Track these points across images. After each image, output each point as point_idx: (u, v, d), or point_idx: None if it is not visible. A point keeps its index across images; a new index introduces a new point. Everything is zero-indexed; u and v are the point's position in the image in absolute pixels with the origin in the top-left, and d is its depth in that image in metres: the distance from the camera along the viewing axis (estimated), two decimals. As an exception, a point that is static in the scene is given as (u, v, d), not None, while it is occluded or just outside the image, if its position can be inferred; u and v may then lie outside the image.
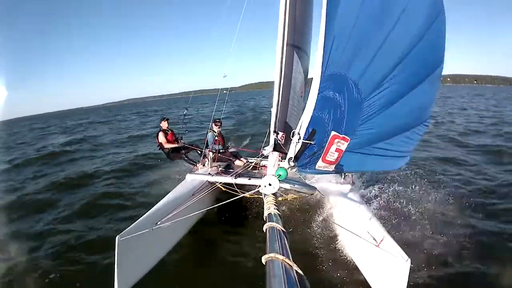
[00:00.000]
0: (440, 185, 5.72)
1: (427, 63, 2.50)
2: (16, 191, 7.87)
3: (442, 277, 3.34)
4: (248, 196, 3.38)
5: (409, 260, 2.39)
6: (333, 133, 2.46)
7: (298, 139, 2.50)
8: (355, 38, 2.24)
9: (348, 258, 3.54)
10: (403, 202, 4.82)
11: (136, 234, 2.99)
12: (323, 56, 2.22)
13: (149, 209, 3.60)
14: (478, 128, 13.66)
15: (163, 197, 4.07)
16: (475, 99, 36.11)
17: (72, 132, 22.66)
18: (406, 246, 2.89)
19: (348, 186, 4.43)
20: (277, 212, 2.00)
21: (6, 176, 9.76)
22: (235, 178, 4.61)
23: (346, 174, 4.69)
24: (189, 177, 4.96)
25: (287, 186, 2.69)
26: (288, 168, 2.64)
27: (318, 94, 2.35)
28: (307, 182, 4.05)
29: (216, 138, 5.83)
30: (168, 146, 5.86)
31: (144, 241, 3.10)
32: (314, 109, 2.40)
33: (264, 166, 5.64)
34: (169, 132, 6.01)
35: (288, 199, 4.54)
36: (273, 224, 1.67)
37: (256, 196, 3.51)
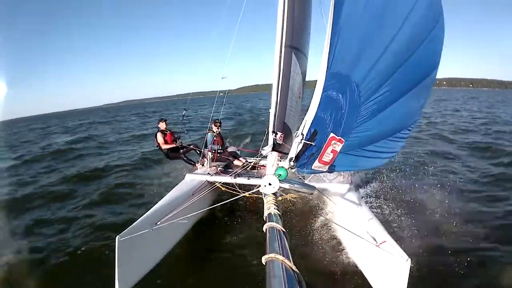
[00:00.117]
0: (427, 174, 6.63)
1: (423, 69, 2.54)
2: (31, 184, 8.30)
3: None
4: (247, 195, 3.39)
5: (409, 260, 2.41)
6: (331, 134, 2.49)
7: (301, 140, 2.52)
8: (360, 38, 2.25)
9: (348, 258, 3.56)
10: (396, 189, 5.48)
11: (136, 234, 3.00)
12: (328, 53, 2.22)
13: (149, 209, 3.61)
14: (468, 128, 14.45)
15: (163, 197, 4.08)
16: (469, 101, 37.39)
17: (74, 132, 22.93)
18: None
19: (347, 186, 4.44)
20: (277, 212, 1.99)
21: (17, 171, 10.19)
22: (234, 178, 4.62)
23: (344, 173, 4.77)
24: (188, 177, 4.96)
25: (286, 185, 2.71)
26: (288, 168, 2.66)
27: (322, 93, 2.37)
28: (306, 181, 4.07)
29: (215, 138, 5.87)
30: (165, 146, 5.92)
31: (144, 241, 3.11)
32: (317, 109, 2.42)
33: (263, 166, 5.66)
34: (168, 133, 6.05)
35: (288, 198, 4.55)
36: (273, 224, 1.67)
37: (256, 196, 3.53)
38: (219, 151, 5.84)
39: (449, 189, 5.63)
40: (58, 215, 5.77)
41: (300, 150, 2.56)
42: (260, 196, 2.83)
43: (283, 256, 1.24)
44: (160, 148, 5.98)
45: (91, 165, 9.79)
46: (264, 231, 1.65)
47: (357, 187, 5.23)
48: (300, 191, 2.92)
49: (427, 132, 13.25)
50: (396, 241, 2.79)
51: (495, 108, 25.85)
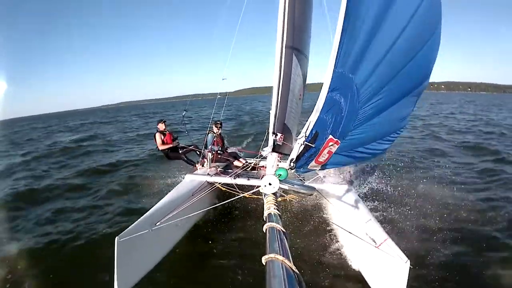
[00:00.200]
0: (420, 168, 7.44)
1: (418, 76, 2.58)
2: (46, 177, 8.64)
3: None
4: (247, 196, 3.39)
5: (409, 261, 2.40)
6: (330, 136, 2.52)
7: (304, 141, 2.55)
8: (366, 39, 2.25)
9: (348, 259, 3.55)
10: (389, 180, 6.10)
11: (136, 235, 2.99)
12: (337, 52, 2.23)
13: (149, 209, 3.61)
14: (461, 129, 15.22)
15: (163, 198, 4.07)
16: (465, 105, 38.68)
17: (77, 131, 23.25)
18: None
19: (347, 187, 4.44)
20: (277, 212, 1.99)
21: (30, 166, 10.49)
22: (234, 179, 4.62)
23: (343, 174, 4.87)
24: (188, 177, 4.96)
25: (286, 186, 2.71)
26: (288, 169, 2.68)
27: (327, 92, 2.38)
28: (306, 182, 4.07)
29: (215, 139, 5.90)
30: (162, 147, 5.97)
31: (144, 242, 3.10)
32: (321, 110, 2.44)
33: (263, 166, 5.66)
34: (167, 133, 6.08)
35: (287, 199, 4.54)
36: (273, 224, 1.67)
37: (255, 196, 3.52)
38: (219, 151, 5.86)
39: (443, 183, 6.20)
40: (81, 204, 6.12)
41: (301, 151, 2.59)
42: (260, 197, 2.84)
43: (283, 256, 1.24)
44: (159, 148, 6.02)
45: (100, 161, 10.18)
46: (264, 231, 1.65)
47: (355, 187, 5.29)
48: (299, 192, 2.93)
49: (422, 132, 14.03)
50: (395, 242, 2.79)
51: (489, 112, 26.82)
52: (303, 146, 2.58)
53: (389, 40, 2.25)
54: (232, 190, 4.28)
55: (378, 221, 3.38)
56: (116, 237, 2.81)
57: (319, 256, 3.75)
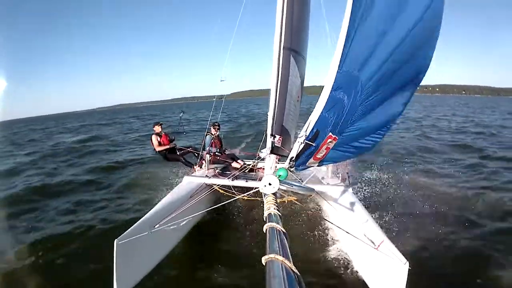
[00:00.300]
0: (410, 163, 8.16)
1: (415, 73, 2.59)
2: (57, 174, 9.02)
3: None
4: (245, 198, 3.39)
5: (408, 263, 2.39)
6: (329, 133, 2.53)
7: (304, 140, 2.56)
8: (376, 39, 2.28)
9: (347, 260, 3.55)
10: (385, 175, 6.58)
11: (134, 238, 2.97)
12: (341, 52, 2.25)
13: (147, 212, 3.59)
14: (451, 129, 16.11)
15: (161, 200, 4.05)
16: (459, 107, 40.18)
17: (77, 132, 23.50)
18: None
19: (344, 187, 4.45)
20: (277, 212, 1.98)
21: (37, 164, 10.78)
22: (232, 180, 4.61)
23: (341, 174, 4.90)
24: (186, 179, 4.93)
25: (285, 187, 2.71)
26: (287, 168, 2.68)
27: (330, 92, 2.39)
28: (304, 183, 4.07)
29: (213, 140, 5.90)
30: (160, 148, 5.98)
31: (143, 244, 3.08)
32: (323, 108, 2.46)
33: (261, 168, 5.66)
34: (162, 135, 6.09)
35: (286, 201, 4.54)
36: (273, 224, 1.66)
37: (254, 198, 3.52)
38: (217, 153, 5.86)
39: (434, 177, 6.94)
40: (96, 198, 6.51)
41: (301, 150, 2.61)
42: (258, 198, 2.84)
43: (283, 256, 1.23)
44: (156, 150, 6.03)
45: (107, 160, 10.53)
46: (264, 231, 1.64)
47: (353, 187, 5.31)
48: (298, 193, 2.94)
49: (418, 132, 14.98)
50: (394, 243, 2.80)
51: (482, 114, 27.80)
52: (303, 144, 2.58)
53: (397, 40, 2.29)
54: (230, 192, 4.27)
55: (375, 221, 3.39)
56: (115, 240, 2.80)
57: (319, 256, 3.75)
